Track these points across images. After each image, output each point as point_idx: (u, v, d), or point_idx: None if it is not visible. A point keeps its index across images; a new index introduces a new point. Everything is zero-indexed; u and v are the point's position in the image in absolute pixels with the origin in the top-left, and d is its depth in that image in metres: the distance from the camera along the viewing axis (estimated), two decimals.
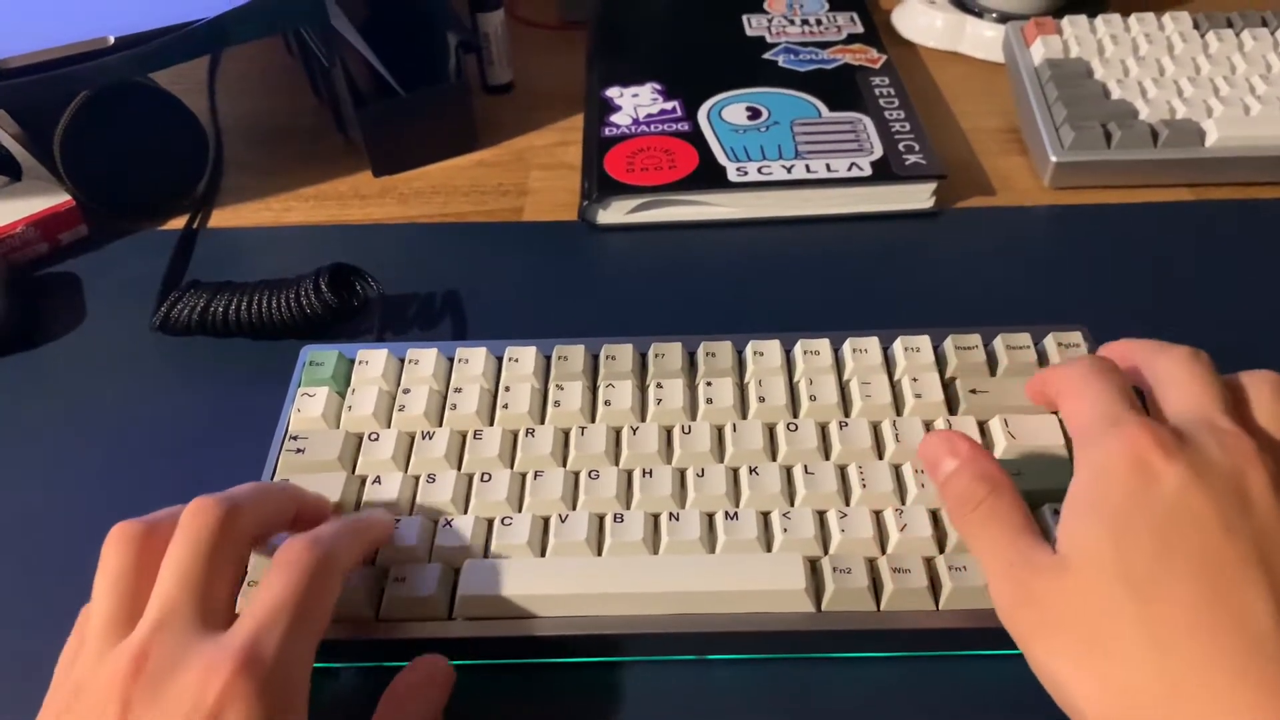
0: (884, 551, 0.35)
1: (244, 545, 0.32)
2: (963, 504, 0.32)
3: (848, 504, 0.37)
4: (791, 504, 0.37)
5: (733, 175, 0.54)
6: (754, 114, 0.59)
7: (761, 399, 0.40)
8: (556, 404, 0.40)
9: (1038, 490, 0.36)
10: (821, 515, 0.36)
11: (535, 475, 0.38)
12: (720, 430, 0.39)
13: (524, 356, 0.42)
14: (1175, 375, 0.32)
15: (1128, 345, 0.35)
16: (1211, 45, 0.59)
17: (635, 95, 0.61)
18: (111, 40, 0.50)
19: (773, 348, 0.41)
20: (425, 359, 0.42)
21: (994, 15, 0.67)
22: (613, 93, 0.62)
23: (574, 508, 0.37)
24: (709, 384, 0.40)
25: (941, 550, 0.35)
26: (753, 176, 0.54)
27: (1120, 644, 0.26)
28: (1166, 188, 0.55)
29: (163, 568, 0.30)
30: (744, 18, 0.69)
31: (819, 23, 0.68)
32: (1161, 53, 0.59)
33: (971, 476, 0.32)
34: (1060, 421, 0.38)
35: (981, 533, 0.31)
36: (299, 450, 0.39)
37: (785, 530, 0.35)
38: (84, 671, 0.29)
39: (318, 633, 0.30)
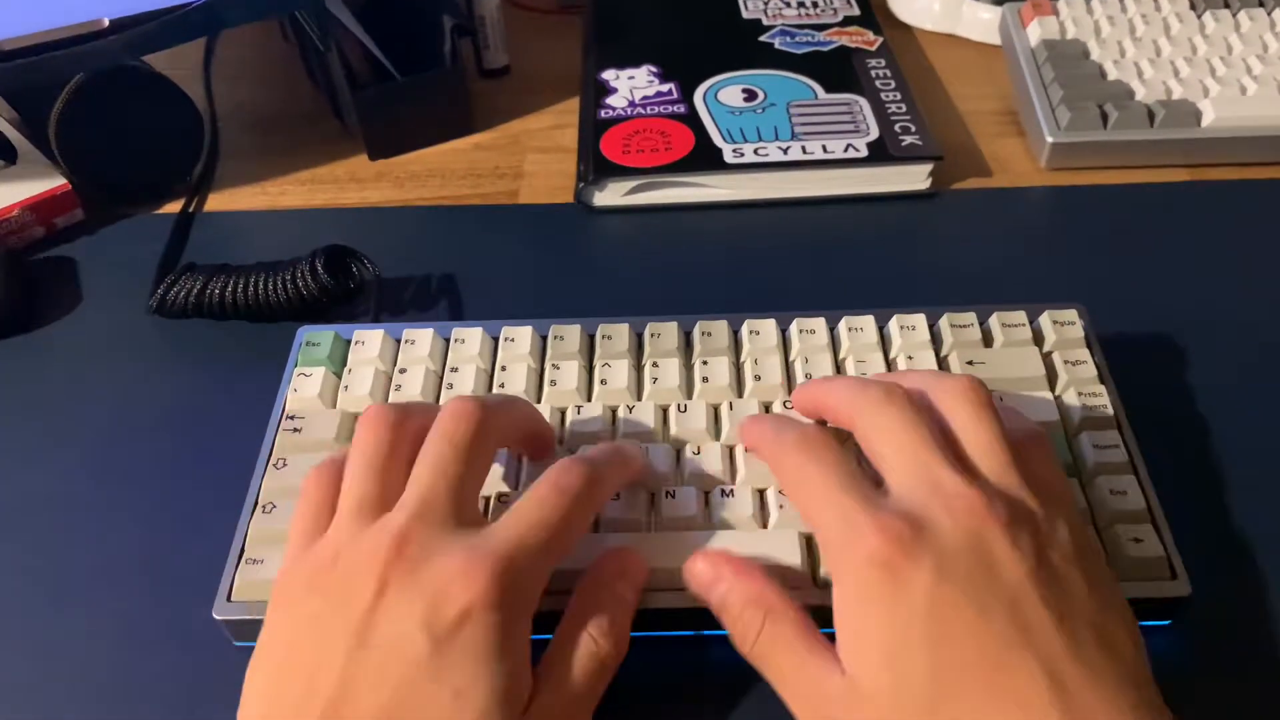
0: None
1: (494, 449, 0.33)
2: (742, 635, 0.31)
3: None
4: None
5: (729, 157, 0.54)
6: (750, 96, 0.59)
7: (757, 377, 0.40)
8: (553, 383, 0.40)
9: None
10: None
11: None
12: (716, 409, 0.39)
13: (520, 336, 0.42)
14: (880, 425, 0.32)
15: (820, 390, 0.35)
16: (1208, 26, 0.59)
17: (631, 78, 0.61)
18: (106, 23, 0.50)
19: (768, 327, 0.42)
20: (421, 339, 0.42)
21: None
22: (609, 75, 0.61)
23: None
24: (705, 363, 0.40)
25: None
26: (749, 158, 0.54)
27: None
28: (1163, 168, 0.55)
29: (422, 458, 0.32)
30: (740, 0, 0.69)
31: (815, 5, 0.68)
32: (1158, 33, 0.59)
33: (743, 603, 0.31)
34: (1057, 402, 0.39)
35: (768, 664, 0.31)
36: (296, 430, 0.39)
37: (781, 507, 0.35)
38: (342, 540, 0.30)
39: (561, 557, 0.31)
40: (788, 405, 0.38)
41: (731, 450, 0.38)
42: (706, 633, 0.35)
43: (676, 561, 0.34)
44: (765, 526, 0.35)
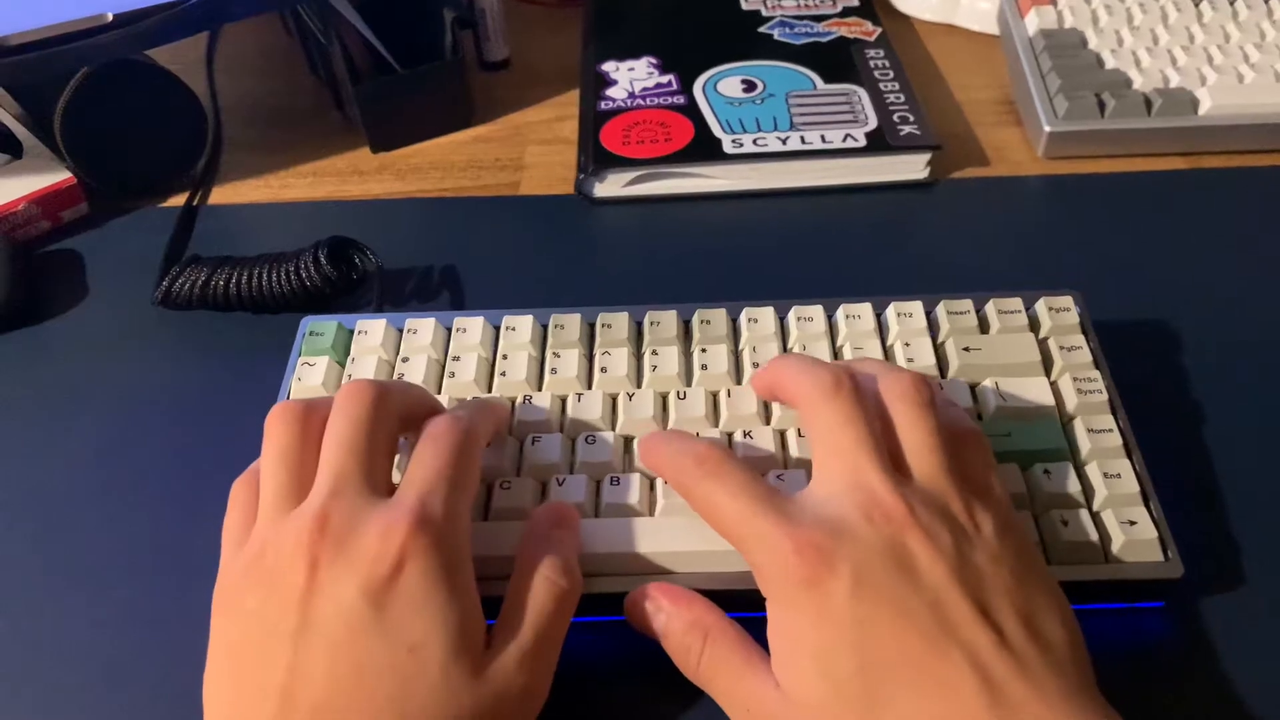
0: None
1: (395, 423, 0.34)
2: (684, 661, 0.32)
3: None
4: (785, 467, 0.37)
5: (728, 147, 0.54)
6: (749, 87, 0.59)
7: (756, 365, 0.40)
8: (553, 371, 0.40)
9: (1028, 450, 0.37)
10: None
11: (533, 440, 0.38)
12: (715, 396, 0.40)
13: (521, 325, 0.42)
14: (822, 418, 0.32)
15: (774, 373, 0.35)
16: (1206, 14, 0.59)
17: (631, 69, 0.61)
18: (110, 17, 0.50)
19: (766, 315, 0.42)
20: (423, 328, 0.42)
21: None
22: (609, 67, 0.62)
23: (571, 471, 0.37)
24: (704, 350, 0.41)
25: None
26: (748, 148, 0.54)
27: None
28: (1160, 157, 0.55)
29: (327, 442, 0.32)
30: None
31: None
32: (1156, 22, 0.59)
33: (683, 629, 0.32)
34: (1052, 387, 0.39)
35: (709, 683, 0.31)
36: None
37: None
38: (266, 533, 0.31)
39: (471, 495, 0.33)
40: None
41: (730, 437, 0.38)
42: None
43: (677, 546, 0.34)
44: None
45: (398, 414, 0.34)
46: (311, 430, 0.33)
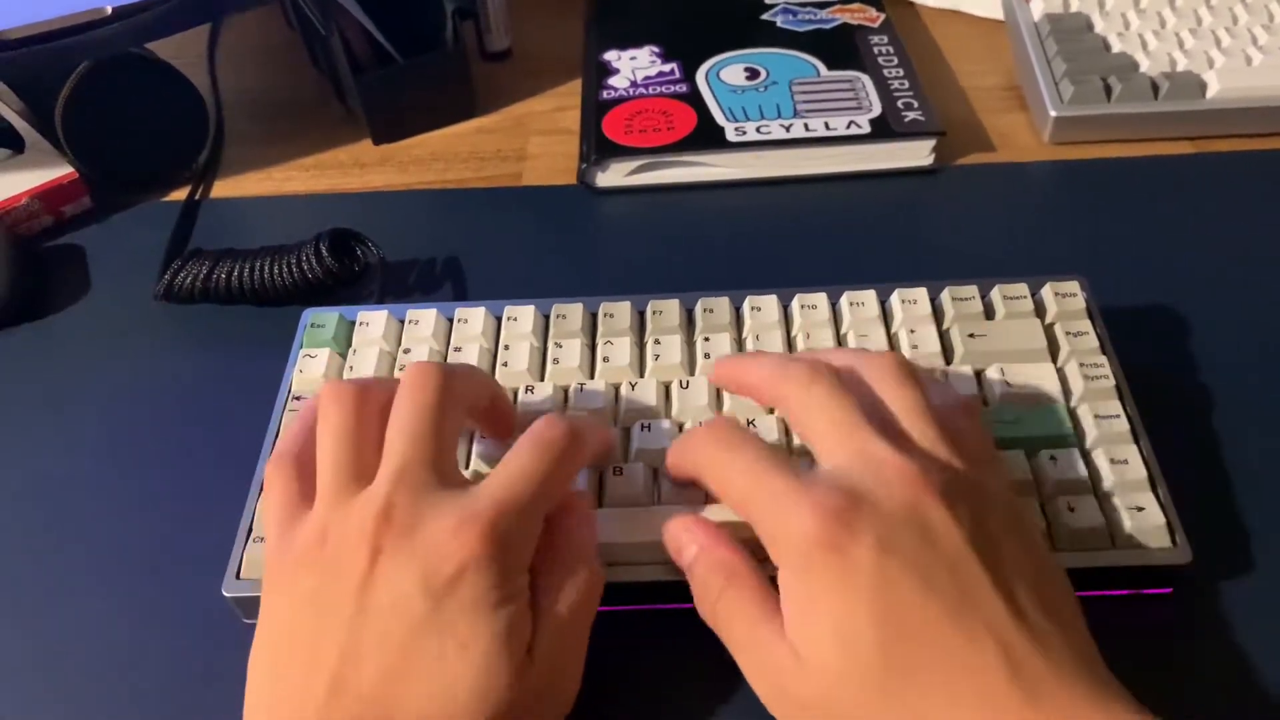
0: None
1: (461, 411, 0.33)
2: (702, 598, 0.32)
3: None
4: (790, 454, 0.37)
5: (731, 135, 0.54)
6: (752, 74, 0.59)
7: None
8: (555, 361, 0.40)
9: (1035, 436, 0.36)
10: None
11: None
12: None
13: (523, 315, 0.42)
14: (810, 401, 0.32)
15: (741, 368, 0.35)
16: None
17: (633, 58, 0.61)
18: (110, 10, 0.50)
19: (770, 303, 0.42)
20: (425, 319, 0.42)
21: None
22: (611, 56, 0.62)
23: None
24: (707, 339, 0.41)
25: None
26: (751, 136, 0.54)
27: None
28: (1167, 141, 0.55)
29: (393, 429, 0.32)
30: None
31: None
32: (1163, 5, 0.59)
33: (708, 567, 0.31)
34: (1058, 373, 0.39)
35: (723, 626, 0.31)
36: None
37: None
38: (328, 517, 0.30)
39: (549, 507, 0.32)
40: None
41: None
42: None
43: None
44: None
45: (463, 401, 0.34)
46: (369, 412, 0.32)
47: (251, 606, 0.35)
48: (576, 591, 0.31)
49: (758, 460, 0.31)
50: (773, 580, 0.30)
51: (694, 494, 0.35)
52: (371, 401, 0.33)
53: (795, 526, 0.28)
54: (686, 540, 0.32)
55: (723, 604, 0.31)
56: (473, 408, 0.35)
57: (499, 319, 0.43)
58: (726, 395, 0.38)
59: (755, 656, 0.30)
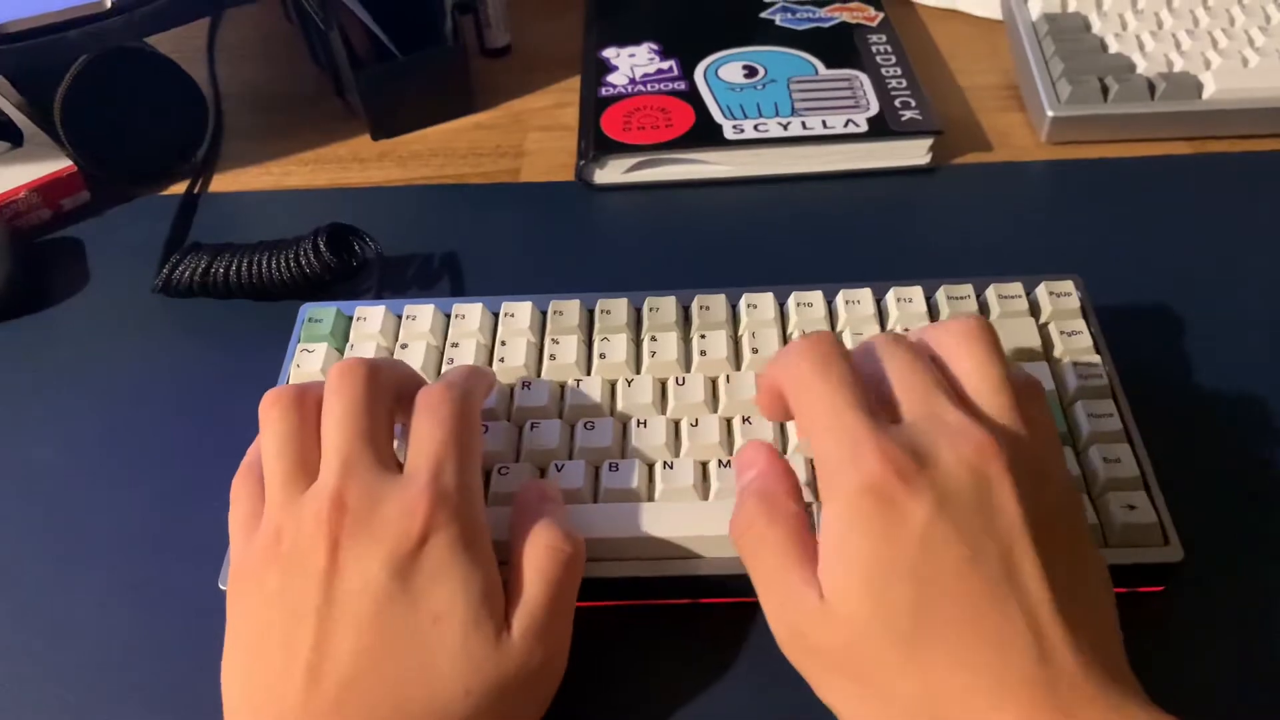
0: None
1: (391, 399, 0.34)
2: (739, 525, 0.32)
3: None
4: (784, 452, 0.37)
5: (729, 133, 0.54)
6: (750, 72, 0.59)
7: (755, 350, 0.40)
8: (552, 357, 0.40)
9: None
10: (813, 464, 0.36)
11: (531, 426, 0.38)
12: (714, 381, 0.39)
13: (520, 311, 0.42)
14: (885, 368, 0.31)
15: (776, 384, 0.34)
16: None
17: (632, 55, 0.61)
18: (109, 4, 0.50)
19: (766, 300, 0.42)
20: (422, 315, 0.42)
21: None
22: (609, 53, 0.62)
23: (570, 457, 0.37)
24: (703, 336, 0.41)
25: None
26: (749, 134, 0.54)
27: (892, 690, 0.27)
28: (1164, 141, 0.55)
29: (327, 423, 0.32)
30: None
31: None
32: (1160, 5, 0.59)
33: (757, 496, 0.31)
34: (1052, 372, 0.39)
35: (753, 559, 0.31)
36: None
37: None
38: (279, 518, 0.31)
39: (479, 461, 0.33)
40: None
41: (729, 422, 0.38)
42: (702, 600, 0.36)
43: (675, 532, 0.34)
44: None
45: (390, 388, 0.34)
46: (308, 413, 0.33)
47: None
48: (557, 566, 0.31)
49: (841, 390, 0.30)
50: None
51: (690, 489, 0.35)
52: (309, 403, 0.33)
53: (856, 469, 0.28)
54: (749, 461, 0.33)
55: (754, 535, 0.31)
56: (400, 396, 0.35)
57: (496, 315, 0.43)
58: (724, 394, 0.39)
59: (780, 593, 0.30)
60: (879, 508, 0.28)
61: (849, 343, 0.40)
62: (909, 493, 0.27)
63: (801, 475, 0.35)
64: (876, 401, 0.30)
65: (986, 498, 0.28)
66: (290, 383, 0.39)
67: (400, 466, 0.32)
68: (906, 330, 0.40)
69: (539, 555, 0.32)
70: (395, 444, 0.34)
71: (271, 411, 0.33)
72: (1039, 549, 0.27)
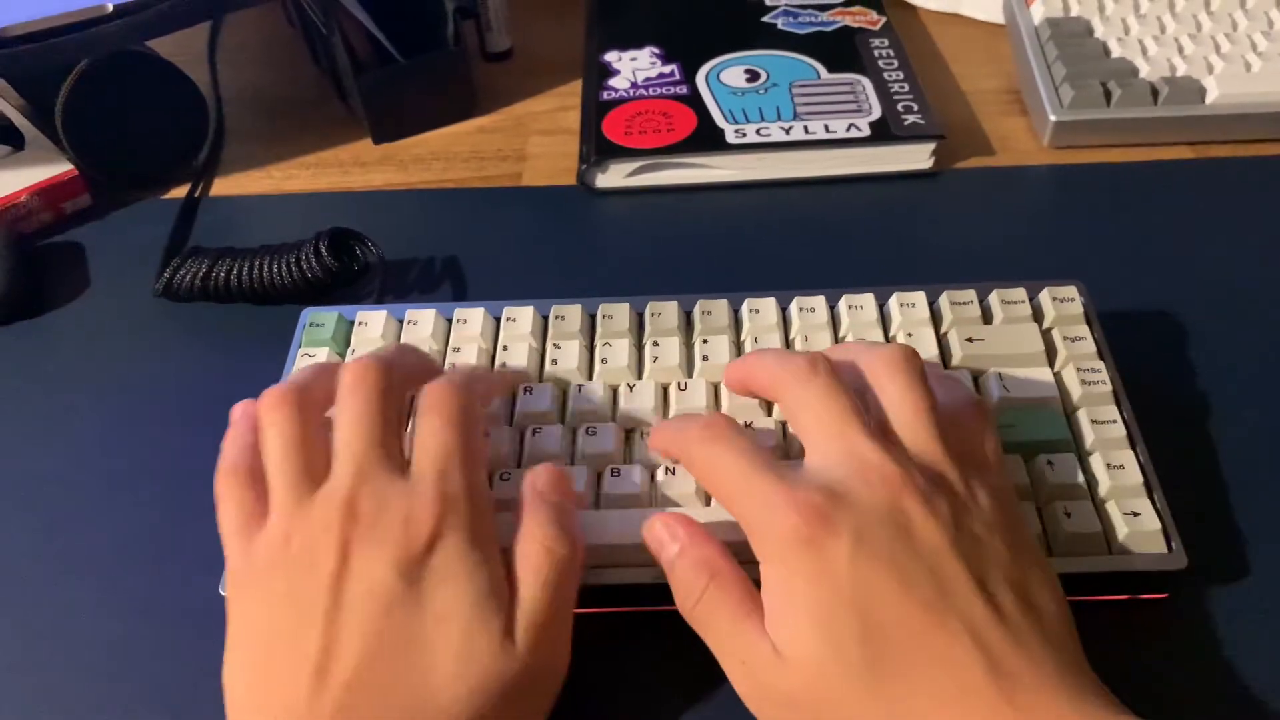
0: None
1: (403, 396, 0.34)
2: (684, 596, 0.31)
3: None
4: (787, 457, 0.37)
5: (731, 137, 0.54)
6: (752, 76, 0.59)
7: None
8: (554, 362, 0.40)
9: (1032, 441, 0.36)
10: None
11: (533, 431, 0.38)
12: (716, 387, 0.39)
13: (521, 316, 0.42)
14: (802, 397, 0.32)
15: (747, 366, 0.36)
16: (1213, 2, 0.59)
17: (634, 59, 0.61)
18: (110, 8, 0.50)
19: (768, 305, 0.42)
20: (424, 319, 0.42)
21: None
22: (611, 57, 0.62)
23: (572, 462, 0.37)
24: (705, 341, 0.41)
25: None
26: (751, 138, 0.54)
27: None
28: (1166, 146, 0.55)
29: (340, 425, 0.32)
30: None
31: None
32: (1163, 10, 0.59)
33: (691, 564, 0.31)
34: (1056, 378, 0.39)
35: (706, 625, 0.31)
36: None
37: None
38: (288, 521, 0.31)
39: (484, 461, 0.34)
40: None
41: None
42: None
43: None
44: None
45: (403, 386, 0.34)
46: (311, 412, 0.33)
47: None
48: (554, 567, 0.31)
49: (743, 456, 0.31)
50: (756, 583, 0.30)
51: (692, 495, 0.35)
52: (311, 402, 0.33)
53: (777, 522, 0.29)
54: (668, 538, 0.32)
55: (704, 602, 0.31)
56: (417, 381, 0.35)
57: (498, 319, 0.43)
58: (725, 397, 0.38)
59: (736, 654, 0.30)
60: (807, 552, 0.28)
61: None
62: (828, 532, 0.28)
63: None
64: (795, 429, 0.32)
65: (905, 526, 0.29)
66: (289, 381, 0.38)
67: (407, 465, 0.32)
68: (910, 336, 0.40)
69: (534, 554, 0.31)
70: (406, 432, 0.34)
71: (273, 414, 0.33)
72: (968, 565, 0.28)
